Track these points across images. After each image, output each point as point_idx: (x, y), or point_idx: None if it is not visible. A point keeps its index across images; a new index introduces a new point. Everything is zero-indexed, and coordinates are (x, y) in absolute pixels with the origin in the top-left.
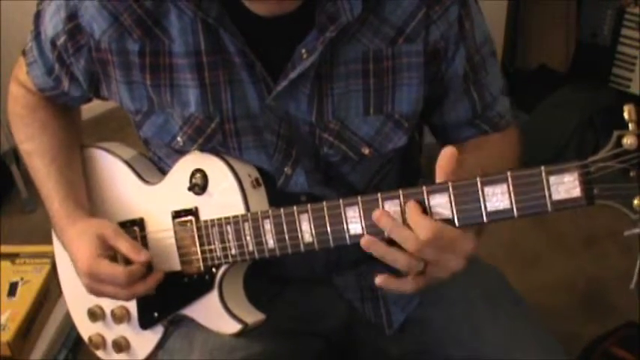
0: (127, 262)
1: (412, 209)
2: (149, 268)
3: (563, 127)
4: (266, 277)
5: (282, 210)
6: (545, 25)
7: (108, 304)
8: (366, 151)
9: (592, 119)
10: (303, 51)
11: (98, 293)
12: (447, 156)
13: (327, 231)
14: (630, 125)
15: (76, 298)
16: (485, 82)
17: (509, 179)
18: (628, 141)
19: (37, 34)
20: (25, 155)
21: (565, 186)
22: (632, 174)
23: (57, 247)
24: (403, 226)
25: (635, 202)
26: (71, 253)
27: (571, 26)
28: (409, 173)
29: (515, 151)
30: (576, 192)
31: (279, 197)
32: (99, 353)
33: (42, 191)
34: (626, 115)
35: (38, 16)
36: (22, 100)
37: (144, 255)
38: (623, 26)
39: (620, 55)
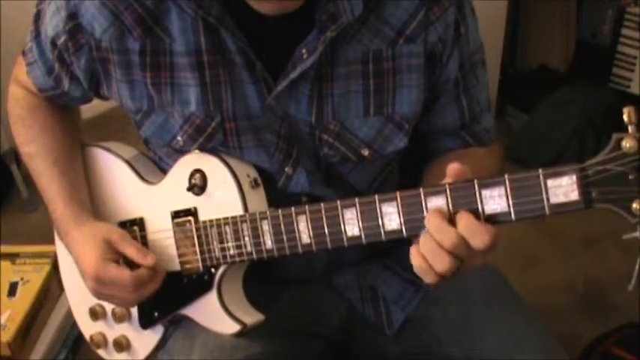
0: (131, 266)
1: (468, 217)
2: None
3: (563, 127)
4: (266, 278)
5: (280, 211)
6: (545, 25)
7: (109, 304)
8: (366, 152)
9: (592, 119)
10: (304, 51)
11: (104, 297)
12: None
13: (324, 232)
14: (630, 128)
15: (78, 298)
16: (474, 91)
17: (507, 182)
18: (627, 144)
19: (36, 35)
20: (27, 157)
21: (563, 189)
22: (631, 177)
23: (59, 247)
24: (449, 226)
25: (634, 205)
26: (76, 257)
27: (571, 26)
28: (411, 175)
29: (498, 166)
30: (574, 195)
31: (281, 198)
32: (100, 352)
33: (45, 194)
34: (625, 118)
35: (38, 16)
36: (22, 101)
37: (150, 258)
38: (623, 26)
39: (620, 55)
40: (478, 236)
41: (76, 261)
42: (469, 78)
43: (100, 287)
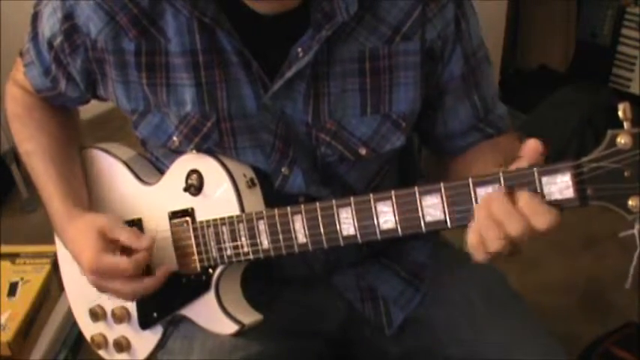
0: (128, 254)
1: (533, 198)
2: (149, 270)
3: (563, 127)
4: (266, 278)
5: (275, 211)
6: (545, 25)
7: (108, 304)
8: (363, 151)
9: (592, 119)
10: (299, 50)
11: (104, 289)
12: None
13: (320, 232)
14: (625, 124)
15: (78, 299)
16: (484, 85)
17: (502, 180)
18: (622, 140)
19: (34, 36)
20: (25, 156)
21: (558, 186)
22: (626, 174)
23: (59, 247)
24: (516, 212)
25: (630, 202)
26: (74, 252)
27: (571, 26)
28: (409, 175)
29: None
30: (569, 192)
31: (278, 198)
32: (101, 353)
33: (42, 192)
34: (620, 114)
35: (35, 18)
36: (20, 100)
37: (145, 240)
38: (623, 26)
39: (620, 55)
40: (540, 216)
41: (75, 257)
42: (477, 73)
43: (100, 280)
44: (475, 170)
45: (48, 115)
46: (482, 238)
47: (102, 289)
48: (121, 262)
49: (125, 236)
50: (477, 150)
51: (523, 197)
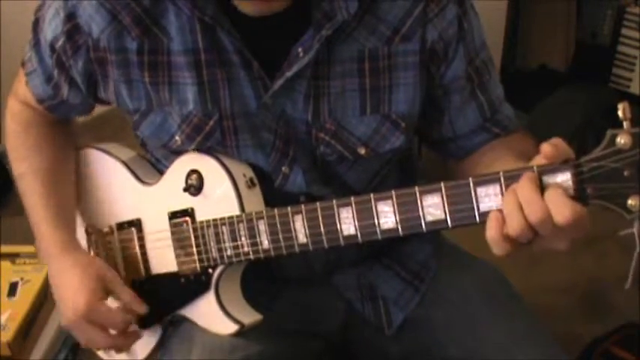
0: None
1: (558, 190)
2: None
3: (563, 127)
4: (266, 277)
5: (276, 210)
6: (545, 25)
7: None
8: (363, 151)
9: (592, 119)
10: (300, 49)
11: (85, 334)
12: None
13: (320, 232)
14: (625, 124)
15: None
16: (489, 86)
17: (502, 179)
18: (622, 140)
19: (35, 42)
20: (18, 179)
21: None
22: (626, 173)
23: None
24: (539, 199)
25: (630, 201)
26: (61, 286)
27: (571, 26)
28: (409, 175)
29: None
30: (569, 192)
31: (278, 197)
32: (100, 353)
33: (30, 214)
34: (620, 114)
35: (37, 24)
36: (18, 116)
37: (143, 307)
38: (623, 26)
39: (620, 55)
40: (560, 208)
41: (61, 290)
42: (482, 73)
43: (85, 325)
44: (492, 169)
45: (44, 133)
46: (504, 223)
47: (82, 334)
48: (117, 316)
49: (127, 298)
50: (490, 149)
51: (549, 187)
